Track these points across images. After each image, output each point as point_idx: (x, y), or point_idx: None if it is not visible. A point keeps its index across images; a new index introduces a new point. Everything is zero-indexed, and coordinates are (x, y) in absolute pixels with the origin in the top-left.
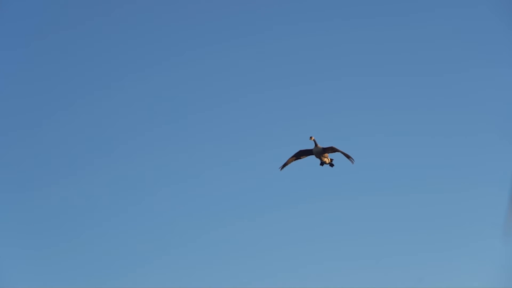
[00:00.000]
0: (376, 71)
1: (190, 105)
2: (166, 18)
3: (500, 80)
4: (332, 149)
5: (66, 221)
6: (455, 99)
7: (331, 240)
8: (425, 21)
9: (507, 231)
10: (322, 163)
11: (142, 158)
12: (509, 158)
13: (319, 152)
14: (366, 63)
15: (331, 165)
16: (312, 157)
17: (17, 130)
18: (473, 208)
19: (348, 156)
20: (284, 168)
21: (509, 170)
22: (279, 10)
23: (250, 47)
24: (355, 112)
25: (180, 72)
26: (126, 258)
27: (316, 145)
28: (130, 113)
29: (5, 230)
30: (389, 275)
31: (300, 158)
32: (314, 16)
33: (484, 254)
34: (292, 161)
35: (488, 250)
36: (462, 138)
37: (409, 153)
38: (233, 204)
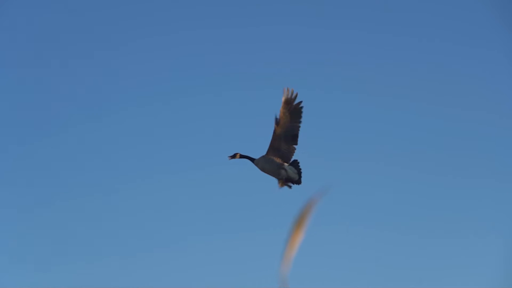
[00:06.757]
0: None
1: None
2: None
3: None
4: (276, 139)
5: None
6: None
7: (330, 239)
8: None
9: None
10: (287, 182)
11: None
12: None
13: (264, 163)
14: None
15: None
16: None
17: (43, 137)
18: (473, 208)
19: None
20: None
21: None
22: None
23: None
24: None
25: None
26: (127, 259)
27: (252, 159)
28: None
29: (10, 231)
30: (389, 275)
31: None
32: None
33: (484, 254)
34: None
35: (488, 250)
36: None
37: (410, 151)
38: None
